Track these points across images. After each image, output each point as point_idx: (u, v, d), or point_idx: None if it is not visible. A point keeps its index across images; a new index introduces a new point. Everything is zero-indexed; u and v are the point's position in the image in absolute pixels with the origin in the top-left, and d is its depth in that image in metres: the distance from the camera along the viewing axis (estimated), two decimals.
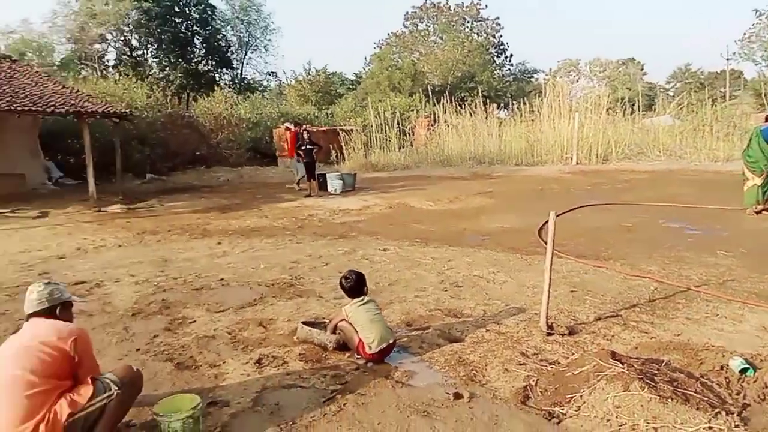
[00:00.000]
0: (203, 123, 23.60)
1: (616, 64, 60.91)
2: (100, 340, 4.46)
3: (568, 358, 3.93)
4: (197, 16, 35.28)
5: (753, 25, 42.17)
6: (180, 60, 33.70)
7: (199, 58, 36.46)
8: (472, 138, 22.29)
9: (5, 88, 13.36)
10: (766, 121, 9.45)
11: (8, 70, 15.17)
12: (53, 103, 13.19)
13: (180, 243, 8.59)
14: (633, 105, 25.05)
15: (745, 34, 46.02)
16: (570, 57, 62.97)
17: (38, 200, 13.51)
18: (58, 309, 3.00)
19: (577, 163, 19.70)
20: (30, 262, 7.47)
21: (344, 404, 3.38)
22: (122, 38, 34.49)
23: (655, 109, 28.18)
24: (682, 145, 20.10)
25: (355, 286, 4.24)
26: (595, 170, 18.09)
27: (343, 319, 4.17)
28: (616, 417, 3.07)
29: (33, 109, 12.64)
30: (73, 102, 13.72)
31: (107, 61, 35.20)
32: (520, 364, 3.89)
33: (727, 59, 50.80)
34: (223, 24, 37.70)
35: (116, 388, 2.77)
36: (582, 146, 20.19)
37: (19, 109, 12.22)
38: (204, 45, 36.19)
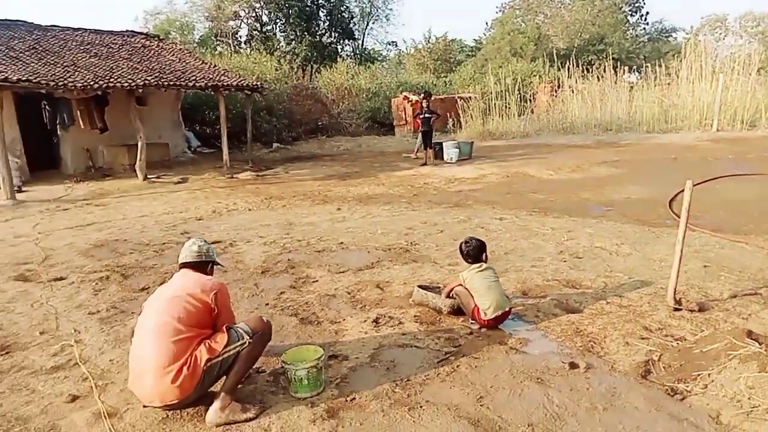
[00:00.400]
0: (326, 94, 24.41)
1: None
2: (234, 295, 4.89)
3: (696, 334, 3.70)
4: None
5: None
6: (305, 33, 34.84)
7: (323, 31, 37.43)
8: (598, 104, 21.02)
9: (154, 65, 14.71)
10: None
11: (156, 48, 16.66)
12: (194, 77, 14.31)
13: (303, 208, 9.09)
14: None
15: None
16: (716, 12, 56.54)
17: (179, 167, 14.86)
18: (210, 266, 3.38)
19: (718, 130, 17.90)
20: (173, 222, 8.30)
21: (457, 366, 3.46)
22: (253, 15, 36.30)
23: None
24: None
25: (475, 251, 4.26)
26: (739, 137, 16.36)
27: (460, 284, 4.22)
28: (749, 398, 2.88)
29: (177, 84, 13.82)
30: (211, 76, 14.79)
31: (240, 37, 37.34)
32: (642, 338, 3.73)
33: None
34: None
35: (248, 337, 3.03)
36: (725, 111, 18.30)
37: (166, 84, 13.42)
38: (328, 18, 37.06)
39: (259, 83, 15.97)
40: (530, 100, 23.45)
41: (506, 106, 22.05)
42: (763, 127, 17.79)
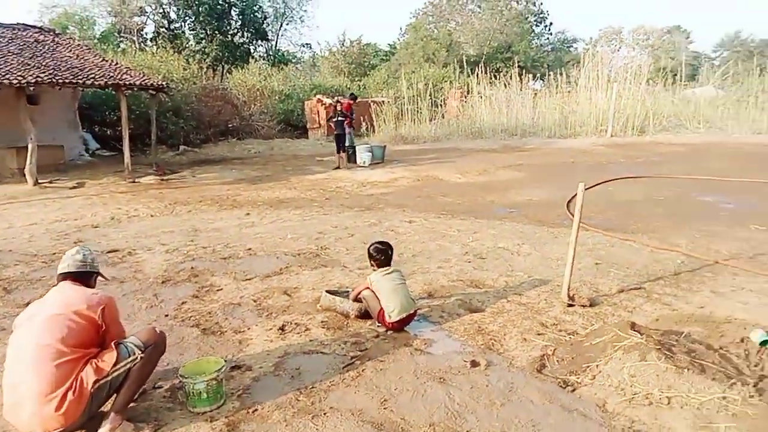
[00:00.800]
0: (237, 95, 23.82)
1: (661, 32, 58.53)
2: (131, 306, 4.65)
3: (587, 328, 3.93)
4: None
5: None
6: (216, 32, 33.80)
7: (235, 30, 36.46)
8: (505, 110, 21.95)
9: (48, 61, 13.68)
10: None
11: (51, 44, 15.50)
12: (93, 75, 13.47)
13: (210, 213, 8.79)
14: (675, 75, 24.21)
15: None
16: (612, 25, 60.68)
17: (75, 171, 13.95)
18: (94, 277, 3.12)
19: (612, 136, 19.23)
20: (66, 231, 7.76)
21: (363, 370, 3.47)
22: (161, 11, 34.76)
23: (698, 80, 27.19)
24: (724, 116, 19.43)
25: (383, 255, 4.30)
26: (630, 143, 17.64)
27: (367, 288, 4.24)
28: (631, 386, 3.08)
29: (74, 81, 12.94)
30: (112, 74, 13.98)
31: (146, 33, 35.64)
32: (539, 334, 3.91)
33: None
34: None
35: (140, 351, 2.85)
36: (618, 118, 19.68)
37: (60, 81, 12.53)
38: (240, 17, 36.14)
39: (165, 83, 15.32)
40: (441, 105, 24.08)
41: (418, 111, 22.51)
42: (651, 133, 19.28)
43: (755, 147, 14.89)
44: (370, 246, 4.35)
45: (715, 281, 4.85)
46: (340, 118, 14.45)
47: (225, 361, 3.27)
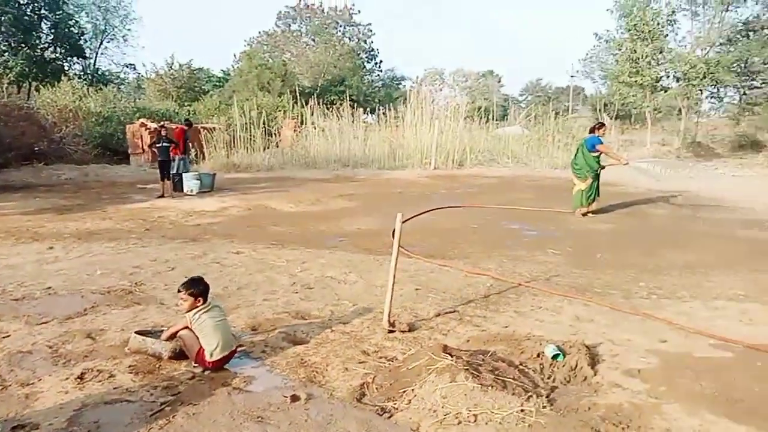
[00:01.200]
0: (45, 115, 21.34)
1: (477, 76, 64.95)
2: None
3: (405, 353, 4.07)
4: None
5: (594, 46, 47.04)
6: (22, 45, 30.15)
7: (46, 45, 32.85)
8: (338, 141, 22.49)
9: None
10: (590, 133, 10.59)
11: None
12: None
13: (3, 248, 7.67)
14: (489, 114, 26.87)
15: (587, 54, 51.16)
16: (436, 66, 65.93)
17: None
18: None
19: (435, 168, 20.63)
20: None
21: (173, 416, 3.21)
22: None
23: (507, 119, 30.49)
24: (528, 153, 21.94)
25: (198, 292, 4.05)
26: (450, 175, 19.08)
27: (185, 327, 3.97)
28: (442, 407, 3.23)
29: None
30: None
31: None
32: (360, 362, 3.96)
33: (572, 76, 56.14)
34: (76, 9, 34.32)
35: None
36: (440, 152, 21.20)
37: None
38: (52, 31, 32.63)
39: None
40: (275, 135, 23.95)
41: (252, 139, 22.14)
42: (469, 166, 21.07)
43: (553, 180, 16.97)
44: (182, 284, 4.10)
45: (518, 302, 5.36)
46: (165, 144, 13.65)
47: (2, 422, 2.82)
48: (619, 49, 24.81)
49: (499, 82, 65.57)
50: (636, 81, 23.18)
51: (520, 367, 3.73)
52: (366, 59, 47.94)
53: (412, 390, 3.46)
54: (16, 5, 30.11)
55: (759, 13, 27.19)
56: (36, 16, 31.63)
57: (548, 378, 3.63)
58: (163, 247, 7.89)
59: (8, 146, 18.68)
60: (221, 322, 4.00)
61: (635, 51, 22.58)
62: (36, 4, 31.65)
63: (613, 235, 9.08)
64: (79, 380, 3.65)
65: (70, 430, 3.07)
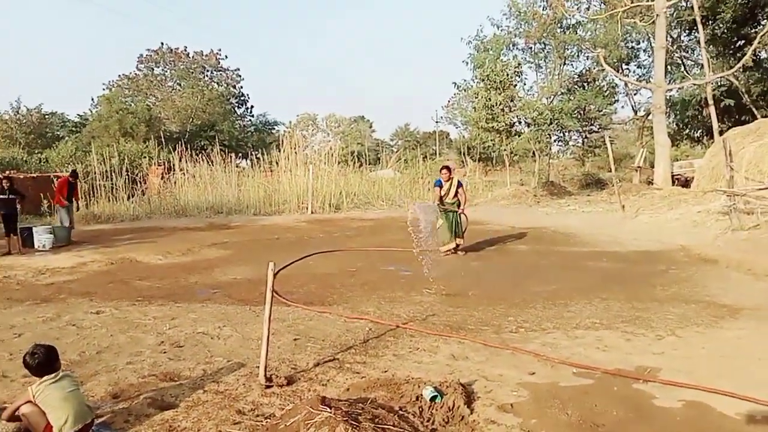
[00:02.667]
0: None
1: (349, 121, 66.66)
2: None
3: (283, 409, 3.92)
4: None
5: (454, 94, 50.40)
6: None
7: None
8: (210, 187, 21.79)
9: None
10: (440, 172, 11.29)
11: None
12: None
13: None
14: (362, 158, 27.59)
15: (449, 101, 54.66)
16: (309, 112, 66.76)
17: None
18: None
19: (312, 212, 20.65)
20: None
21: None
22: None
23: (380, 163, 31.49)
24: (401, 194, 22.74)
25: (44, 361, 3.62)
26: (328, 219, 19.17)
27: (28, 401, 3.52)
28: None
29: None
30: None
31: None
32: (235, 423, 3.75)
33: (437, 122, 59.70)
34: None
35: None
36: (317, 196, 21.29)
37: None
38: None
39: None
40: (141, 182, 22.66)
41: (114, 188, 20.75)
42: (346, 209, 21.34)
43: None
44: (26, 354, 3.66)
45: (397, 344, 5.42)
46: (10, 196, 12.36)
47: None
48: (476, 97, 26.79)
49: (371, 127, 67.81)
50: (492, 126, 25.05)
51: (400, 412, 3.74)
52: (237, 104, 47.38)
53: None
54: None
55: (590, 66, 31.03)
56: None
57: (428, 421, 3.67)
58: (9, 311, 7.04)
59: None
60: (72, 392, 3.60)
61: (490, 99, 24.48)
62: None
63: (483, 272, 9.58)
64: None
65: None
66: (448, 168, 11.47)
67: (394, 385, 4.27)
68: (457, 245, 10.98)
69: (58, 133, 37.37)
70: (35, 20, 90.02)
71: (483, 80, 25.14)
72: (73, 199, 14.88)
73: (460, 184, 11.26)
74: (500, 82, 24.13)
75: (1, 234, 12.80)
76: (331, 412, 3.48)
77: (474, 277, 9.13)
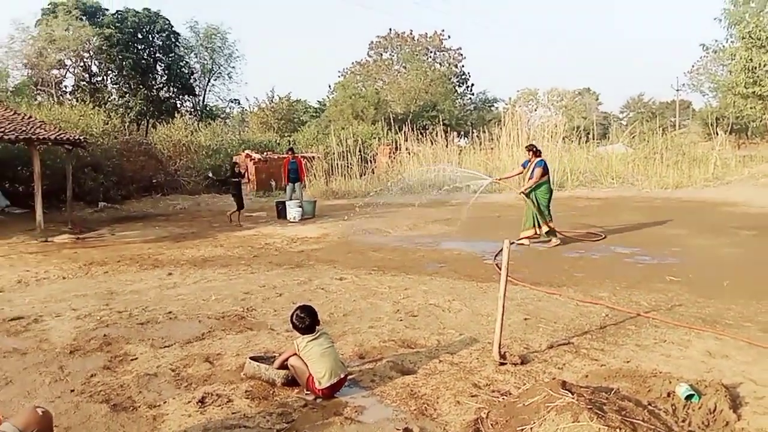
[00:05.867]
0: (161, 150, 23.20)
1: (573, 94, 62.90)
2: (32, 381, 4.21)
3: (519, 388, 3.88)
4: (160, 43, 34.89)
5: (701, 58, 44.23)
6: (141, 86, 33.19)
7: (161, 85, 35.96)
8: (432, 165, 22.49)
9: None
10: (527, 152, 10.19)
11: None
12: (2, 129, 12.73)
13: (128, 274, 8.29)
14: (588, 134, 25.82)
15: (693, 66, 48.21)
16: (529, 87, 64.66)
17: None
18: None
19: None
20: None
21: None
22: (81, 64, 33.74)
23: (608, 138, 29.13)
24: (634, 172, 20.74)
25: (310, 324, 4.10)
26: None
27: (294, 354, 4.05)
28: None
29: None
30: (24, 128, 13.25)
31: (65, 87, 34.36)
32: (472, 396, 3.83)
33: (677, 90, 53.08)
34: (186, 51, 37.35)
35: None
36: None
37: None
38: (166, 72, 35.70)
39: (82, 137, 14.67)
40: (371, 161, 24.42)
41: (348, 166, 22.70)
42: (570, 188, 20.26)
43: (663, 201, 15.93)
44: (292, 314, 4.16)
45: (639, 334, 4.99)
46: (235, 179, 14.44)
47: None
48: (732, 59, 23.06)
49: (597, 99, 63.18)
50: (754, 92, 21.37)
51: (649, 407, 3.42)
52: (457, 83, 47.98)
53: (531, 429, 3.27)
54: (135, 51, 33.25)
55: None
56: (152, 59, 34.72)
57: (683, 421, 3.31)
58: (271, 273, 8.17)
59: (130, 179, 20.47)
60: (329, 349, 4.02)
61: (751, 60, 20.86)
62: (152, 48, 34.80)
63: (738, 261, 8.29)
64: (200, 404, 3.80)
65: None
66: (530, 148, 10.18)
67: (639, 377, 3.94)
68: (536, 233, 9.67)
69: (303, 118, 42.12)
70: (286, 18, 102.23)
71: (743, 38, 21.50)
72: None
73: (538, 165, 9.86)
74: (766, 38, 20.37)
75: (261, 207, 14.93)
76: (573, 398, 3.33)
77: (728, 266, 7.93)
